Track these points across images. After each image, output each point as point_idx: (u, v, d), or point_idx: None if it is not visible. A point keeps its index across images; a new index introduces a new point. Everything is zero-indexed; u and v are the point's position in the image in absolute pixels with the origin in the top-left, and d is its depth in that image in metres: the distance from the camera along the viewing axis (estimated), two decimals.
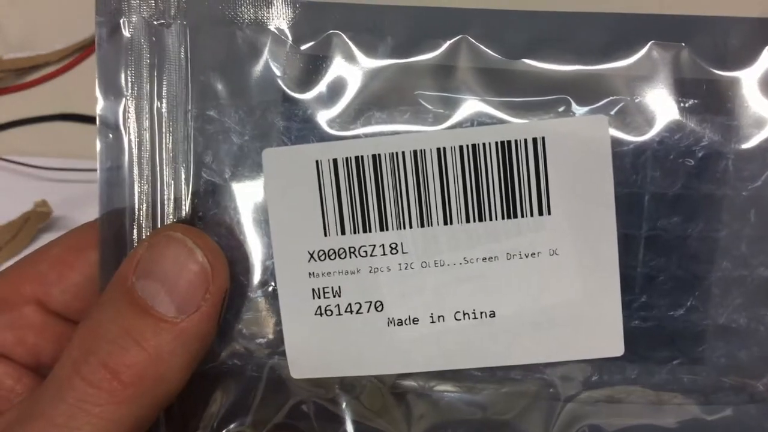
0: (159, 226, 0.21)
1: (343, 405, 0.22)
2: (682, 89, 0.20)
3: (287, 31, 0.21)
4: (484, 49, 0.21)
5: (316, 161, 0.21)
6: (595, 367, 0.21)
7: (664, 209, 0.21)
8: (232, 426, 0.22)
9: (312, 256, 0.21)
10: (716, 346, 0.21)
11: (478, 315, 0.21)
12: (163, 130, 0.21)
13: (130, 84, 0.21)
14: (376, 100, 0.21)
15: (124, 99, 0.21)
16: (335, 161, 0.21)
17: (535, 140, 0.20)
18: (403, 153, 0.21)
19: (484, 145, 0.20)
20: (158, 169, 0.21)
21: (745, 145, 0.20)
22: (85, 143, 0.39)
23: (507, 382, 0.22)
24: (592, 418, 0.22)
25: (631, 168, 0.20)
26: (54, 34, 0.41)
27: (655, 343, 0.21)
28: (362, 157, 0.21)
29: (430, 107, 0.21)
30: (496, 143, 0.20)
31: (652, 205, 0.21)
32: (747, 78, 0.20)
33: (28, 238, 0.37)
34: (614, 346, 0.21)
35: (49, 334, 0.22)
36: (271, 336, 0.22)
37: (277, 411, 0.22)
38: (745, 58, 0.20)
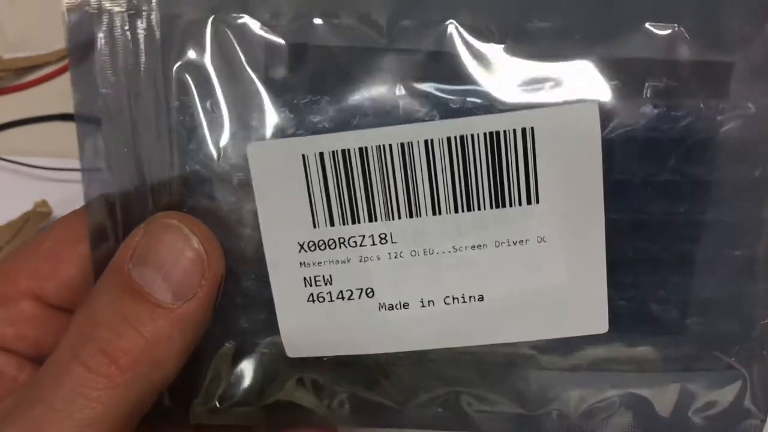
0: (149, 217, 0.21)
1: (339, 379, 0.23)
2: (674, 72, 0.20)
3: (268, 19, 0.20)
4: (470, 35, 0.20)
5: (303, 155, 0.20)
6: (580, 341, 0.22)
7: (652, 194, 0.21)
8: (231, 401, 0.23)
9: (302, 246, 0.21)
10: (697, 320, 0.22)
11: (467, 299, 0.21)
12: (145, 123, 0.21)
13: (107, 77, 0.20)
14: (363, 88, 0.20)
15: (102, 92, 0.20)
16: (321, 155, 0.20)
17: (524, 130, 0.20)
18: (390, 146, 0.20)
19: (472, 136, 0.20)
20: (143, 162, 0.21)
21: (735, 131, 0.20)
22: None
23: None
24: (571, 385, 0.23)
25: (621, 154, 0.20)
26: (54, 34, 0.40)
27: (639, 319, 0.22)
28: (349, 150, 0.20)
29: (417, 96, 0.20)
30: (485, 134, 0.20)
31: (640, 190, 0.21)
32: (741, 62, 0.20)
33: (28, 238, 0.37)
34: (599, 324, 0.22)
35: (49, 327, 0.22)
36: (264, 319, 0.22)
37: (276, 387, 0.23)
38: (740, 41, 0.20)
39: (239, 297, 0.22)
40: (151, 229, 0.20)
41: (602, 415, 0.23)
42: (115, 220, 0.22)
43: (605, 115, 0.20)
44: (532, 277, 0.21)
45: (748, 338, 0.22)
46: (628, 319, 0.22)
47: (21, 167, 0.39)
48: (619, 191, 0.21)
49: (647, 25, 0.20)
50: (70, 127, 0.40)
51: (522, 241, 0.21)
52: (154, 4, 0.20)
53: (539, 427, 0.24)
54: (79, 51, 0.20)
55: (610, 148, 0.20)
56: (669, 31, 0.20)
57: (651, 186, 0.21)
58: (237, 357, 0.23)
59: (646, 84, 0.20)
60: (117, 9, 0.20)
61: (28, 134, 0.40)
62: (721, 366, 0.22)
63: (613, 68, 0.20)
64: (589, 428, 0.24)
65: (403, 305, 0.22)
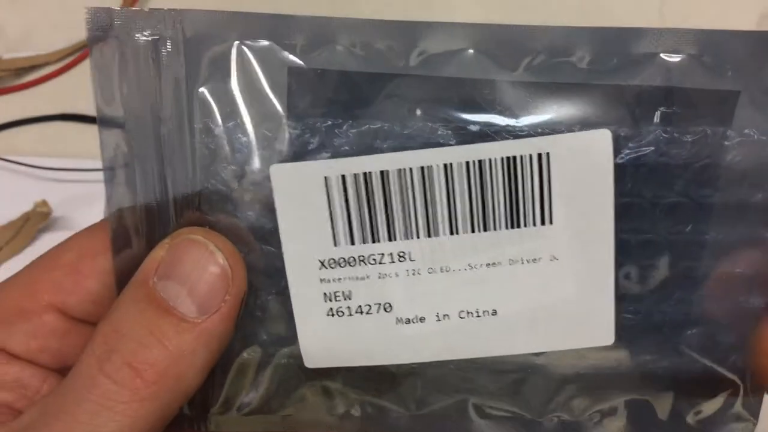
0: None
1: (353, 387, 0.24)
2: (683, 99, 0.21)
3: (291, 45, 0.20)
4: (488, 63, 0.21)
5: (325, 177, 0.21)
6: (586, 350, 0.23)
7: (660, 215, 0.22)
8: (249, 409, 0.24)
9: (323, 264, 0.22)
10: (697, 331, 0.23)
11: (480, 313, 0.22)
12: (169, 143, 0.21)
13: (132, 98, 0.21)
14: (384, 113, 0.21)
15: (126, 115, 0.21)
16: (343, 177, 0.21)
17: (540, 156, 0.21)
18: (411, 169, 0.21)
19: (490, 161, 0.21)
20: (166, 180, 0.21)
21: (739, 156, 0.21)
22: (85, 143, 0.38)
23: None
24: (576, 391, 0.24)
25: (631, 178, 0.21)
26: (54, 34, 0.40)
27: (644, 332, 0.23)
28: (370, 173, 0.21)
29: (437, 121, 0.21)
30: (502, 159, 0.21)
31: (648, 212, 0.22)
32: (746, 91, 0.21)
33: (28, 238, 0.37)
34: (605, 337, 0.23)
35: (72, 339, 0.23)
36: (283, 332, 0.23)
37: (293, 396, 0.24)
38: (746, 72, 0.20)
39: (259, 311, 0.23)
40: (176, 244, 0.21)
41: (603, 419, 0.25)
42: (137, 234, 0.22)
43: (617, 140, 0.21)
44: (543, 293, 0.22)
45: (743, 348, 0.23)
46: (632, 331, 0.23)
47: (21, 167, 0.39)
48: (628, 212, 0.21)
49: (660, 56, 0.20)
50: (70, 127, 0.40)
51: (535, 259, 0.22)
52: (179, 29, 0.20)
53: (543, 430, 0.25)
54: (103, 74, 0.21)
55: (621, 172, 0.21)
56: (680, 60, 0.21)
57: (658, 207, 0.21)
58: (255, 367, 0.24)
59: (657, 110, 0.21)
60: (142, 36, 0.20)
61: (28, 134, 0.40)
62: (716, 374, 0.23)
63: (626, 95, 0.21)
64: (591, 430, 0.25)
65: (420, 319, 0.22)
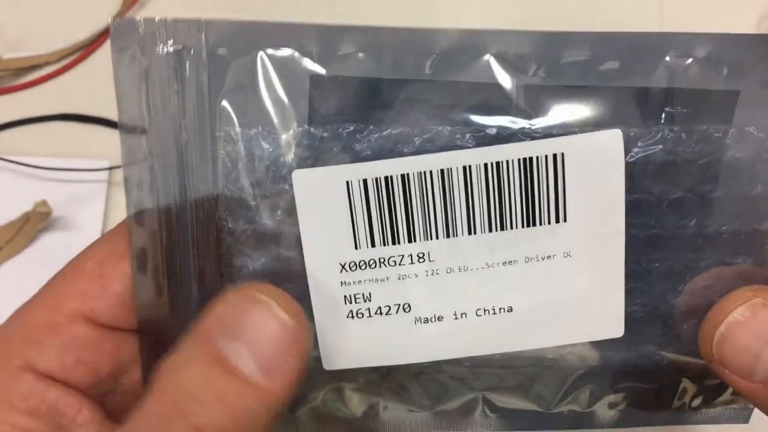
0: (192, 251, 0.22)
1: (370, 387, 0.24)
2: (688, 99, 0.22)
3: (312, 53, 0.21)
4: (505, 68, 0.21)
5: (347, 182, 0.21)
6: (597, 343, 0.24)
7: (666, 210, 0.23)
8: None
9: (343, 267, 0.22)
10: (696, 322, 0.24)
11: (497, 311, 0.23)
12: (190, 150, 0.21)
13: (152, 108, 0.21)
14: (404, 117, 0.21)
15: (146, 123, 0.21)
16: (365, 181, 0.21)
17: (555, 156, 0.22)
18: (431, 172, 0.21)
19: (507, 162, 0.21)
20: (185, 189, 0.22)
21: (739, 152, 0.22)
22: (85, 143, 0.38)
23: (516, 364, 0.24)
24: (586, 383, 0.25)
25: (640, 175, 0.22)
26: (54, 34, 0.40)
27: (649, 323, 0.24)
28: (391, 176, 0.21)
29: (456, 124, 0.22)
30: (519, 160, 0.21)
31: (656, 207, 0.23)
32: (745, 90, 0.22)
33: (28, 238, 0.36)
34: (616, 329, 0.24)
35: (104, 348, 0.22)
36: None
37: (310, 397, 0.24)
38: (745, 73, 0.22)
39: None
40: (240, 304, 0.20)
41: (611, 409, 0.26)
42: (157, 242, 0.22)
43: (628, 139, 0.22)
44: (557, 288, 0.23)
45: None
46: (640, 323, 0.24)
47: (21, 167, 0.39)
48: (637, 208, 0.22)
49: (667, 58, 0.21)
50: (70, 127, 0.40)
51: (550, 256, 0.22)
52: (202, 40, 0.21)
53: (552, 422, 0.26)
54: (126, 83, 0.21)
55: (631, 170, 0.22)
56: (684, 63, 0.22)
57: (665, 203, 0.22)
58: None
59: (663, 111, 0.22)
60: (166, 46, 0.20)
61: (28, 134, 0.40)
62: None
63: (636, 97, 0.22)
64: (598, 420, 0.26)
65: (438, 318, 0.23)
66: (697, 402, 0.26)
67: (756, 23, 0.42)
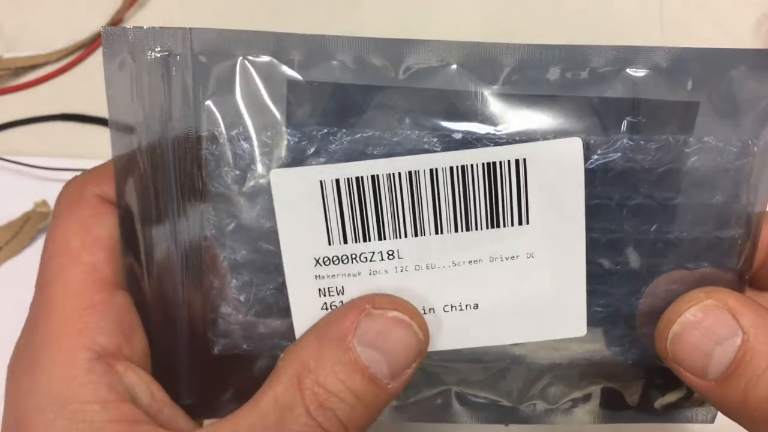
0: (178, 245, 0.24)
1: None
2: (648, 109, 0.23)
3: (290, 60, 0.22)
4: (470, 77, 0.23)
5: (320, 181, 0.23)
6: (561, 342, 0.25)
7: (627, 215, 0.24)
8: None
9: (318, 261, 0.24)
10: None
11: (463, 307, 0.24)
12: (176, 150, 0.23)
13: (141, 110, 0.23)
14: (375, 121, 0.23)
15: (136, 127, 0.23)
16: (337, 181, 0.23)
17: (517, 161, 0.23)
18: (399, 174, 0.23)
19: (472, 166, 0.23)
20: (173, 190, 0.23)
21: (698, 161, 0.23)
22: (85, 143, 0.39)
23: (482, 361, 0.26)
24: (553, 380, 0.26)
25: (600, 181, 0.23)
26: (54, 34, 0.41)
27: (612, 323, 0.25)
28: (362, 177, 0.23)
29: (424, 129, 0.23)
30: (483, 164, 0.23)
31: (616, 212, 0.24)
32: (706, 101, 0.23)
33: (28, 238, 0.37)
34: (578, 329, 0.25)
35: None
36: (279, 325, 0.25)
37: None
38: (706, 83, 0.23)
39: (258, 305, 0.25)
40: (384, 321, 0.23)
41: (577, 406, 0.27)
42: (138, 239, 0.24)
43: (587, 147, 0.23)
44: (521, 287, 0.24)
45: None
46: (602, 323, 0.25)
47: (21, 167, 0.39)
48: (598, 213, 0.23)
49: (627, 70, 0.22)
50: (70, 127, 0.41)
51: (513, 257, 0.24)
52: (188, 46, 0.22)
53: (521, 416, 0.27)
54: (116, 87, 0.22)
55: (591, 176, 0.23)
56: (645, 74, 0.23)
57: (626, 208, 0.23)
58: (253, 360, 0.26)
59: (624, 120, 0.23)
60: (154, 52, 0.22)
61: (28, 134, 0.40)
62: None
63: (596, 106, 0.23)
64: (565, 416, 0.27)
65: None
66: (662, 401, 0.27)
67: (756, 23, 0.42)
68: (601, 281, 0.24)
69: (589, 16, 0.41)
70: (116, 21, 0.42)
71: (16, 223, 0.38)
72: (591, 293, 0.24)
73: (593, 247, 0.24)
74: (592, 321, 0.25)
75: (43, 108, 0.40)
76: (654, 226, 0.24)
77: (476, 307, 0.24)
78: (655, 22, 0.42)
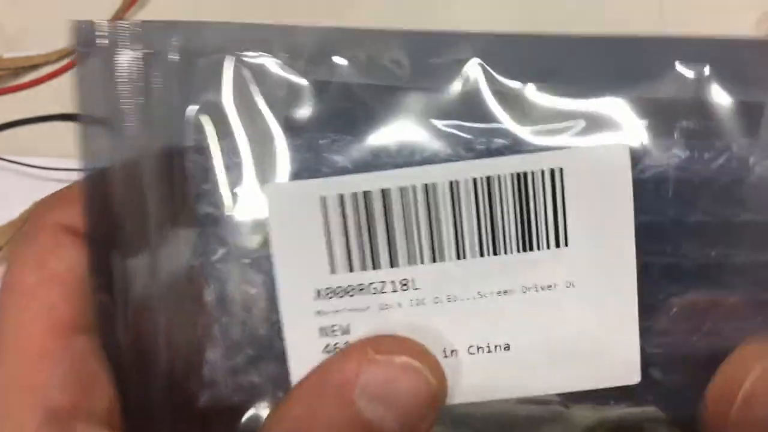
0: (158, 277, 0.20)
1: None
2: (704, 113, 0.20)
3: (288, 58, 0.20)
4: (496, 74, 0.20)
5: (322, 197, 0.20)
6: (609, 393, 0.21)
7: (684, 236, 0.20)
8: None
9: (319, 293, 0.20)
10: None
11: (492, 348, 0.20)
12: (158, 161, 0.20)
13: (115, 122, 0.20)
14: (386, 127, 0.20)
15: (109, 138, 0.20)
16: (342, 197, 0.20)
17: (552, 171, 0.19)
18: (414, 187, 0.20)
19: (499, 177, 0.19)
20: (152, 211, 0.20)
21: (767, 172, 0.20)
22: None
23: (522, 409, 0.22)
24: None
25: (652, 195, 0.20)
26: (54, 33, 0.40)
27: (671, 368, 0.21)
28: (370, 192, 0.20)
29: (442, 136, 0.20)
30: (512, 175, 0.19)
31: (672, 232, 0.20)
32: None
33: None
34: (631, 375, 0.21)
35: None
36: (274, 371, 0.21)
37: None
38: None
39: (249, 348, 0.21)
40: (389, 368, 0.19)
41: None
42: (111, 270, 0.20)
43: (635, 155, 0.20)
44: (560, 324, 0.20)
45: None
46: (659, 369, 0.21)
47: (21, 167, 0.39)
48: (649, 232, 0.20)
49: (677, 65, 0.19)
50: (70, 127, 0.40)
51: (550, 286, 0.20)
52: (172, 44, 0.19)
53: None
54: (88, 92, 0.20)
55: (640, 189, 0.20)
56: (700, 72, 0.20)
57: (682, 227, 0.20)
58: (244, 413, 0.22)
59: (677, 124, 0.20)
60: (130, 51, 0.19)
61: (28, 134, 0.40)
62: None
63: (643, 108, 0.20)
64: None
65: None
66: None
67: (756, 23, 0.41)
68: (658, 315, 0.20)
69: (587, 23, 0.41)
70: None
71: (16, 223, 0.38)
72: (644, 331, 0.20)
73: (647, 274, 0.20)
74: (646, 365, 0.21)
75: (43, 108, 0.40)
76: (718, 248, 0.20)
77: (507, 348, 0.20)
78: (655, 23, 0.41)
